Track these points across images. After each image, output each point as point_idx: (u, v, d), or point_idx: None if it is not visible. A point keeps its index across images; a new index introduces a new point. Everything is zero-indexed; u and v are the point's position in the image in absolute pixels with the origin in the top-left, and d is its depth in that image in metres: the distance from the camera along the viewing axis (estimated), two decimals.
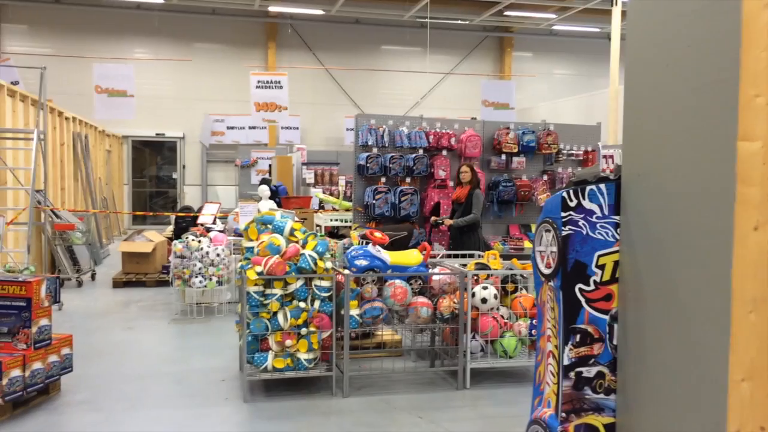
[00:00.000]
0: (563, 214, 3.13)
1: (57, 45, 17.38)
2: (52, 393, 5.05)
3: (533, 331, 5.38)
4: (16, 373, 4.51)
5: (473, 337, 5.41)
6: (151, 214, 15.78)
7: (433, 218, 7.73)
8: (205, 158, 18.64)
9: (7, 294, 4.64)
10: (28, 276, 5.01)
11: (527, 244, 8.31)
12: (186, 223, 9.91)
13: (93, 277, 10.30)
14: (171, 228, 10.75)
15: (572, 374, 3.09)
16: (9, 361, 4.46)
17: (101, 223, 13.20)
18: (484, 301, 5.36)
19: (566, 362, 3.10)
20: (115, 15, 17.68)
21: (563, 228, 3.12)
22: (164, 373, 5.75)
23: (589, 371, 3.09)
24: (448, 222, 7.43)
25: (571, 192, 3.14)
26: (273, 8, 17.78)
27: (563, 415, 3.09)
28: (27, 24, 17.67)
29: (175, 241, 7.83)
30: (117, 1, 17.18)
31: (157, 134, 18.25)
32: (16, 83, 10.53)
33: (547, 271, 3.23)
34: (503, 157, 8.46)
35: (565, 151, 8.70)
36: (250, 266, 5.02)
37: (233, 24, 18.51)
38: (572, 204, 3.12)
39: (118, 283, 9.65)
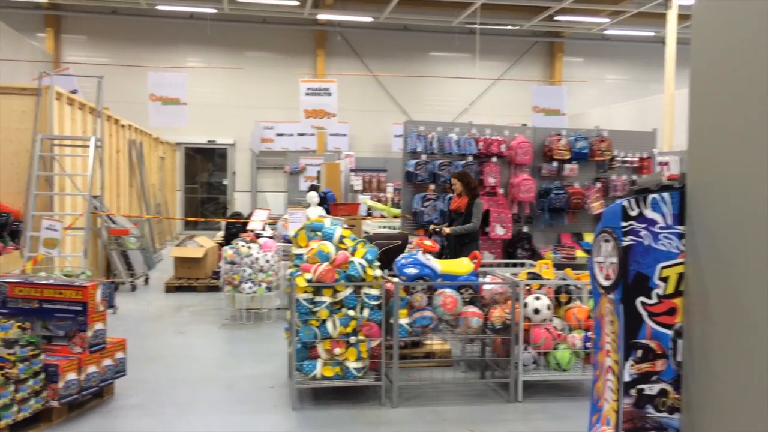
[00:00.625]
0: (624, 224, 3.01)
1: (114, 54, 17.90)
2: (107, 396, 5.14)
3: (588, 344, 5.23)
4: (71, 376, 4.60)
5: (525, 349, 5.28)
6: (202, 219, 16.04)
7: (431, 226, 7.47)
8: (254, 165, 18.89)
9: (64, 298, 4.74)
10: (85, 280, 5.11)
11: (579, 253, 8.12)
12: (236, 229, 10.01)
13: (146, 281, 10.50)
14: (222, 234, 10.89)
15: (633, 391, 2.97)
16: (65, 364, 4.55)
17: (155, 228, 13.49)
18: (536, 311, 5.23)
19: (627, 378, 2.97)
20: (169, 25, 18.11)
21: (623, 238, 3.00)
22: (214, 378, 5.80)
23: (651, 388, 2.95)
24: (447, 230, 7.09)
25: (633, 201, 3.02)
26: (322, 16, 17.93)
27: None
28: (86, 35, 18.26)
29: (225, 247, 7.92)
30: (171, 11, 17.58)
31: (208, 141, 18.59)
32: (74, 92, 10.84)
33: (606, 283, 3.12)
34: (554, 164, 8.29)
35: (619, 158, 8.48)
36: (299, 273, 5.01)
37: (283, 32, 18.74)
38: (633, 213, 3.00)
39: (170, 288, 9.82)
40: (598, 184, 8.42)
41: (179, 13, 17.85)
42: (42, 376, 4.44)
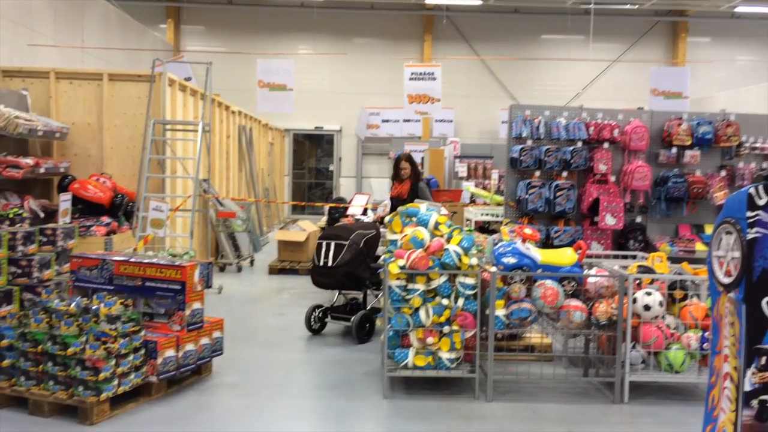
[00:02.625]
0: (749, 214, 2.65)
1: (228, 43, 18.58)
2: (204, 374, 5.25)
3: (705, 345, 4.78)
4: (170, 353, 4.71)
5: (633, 347, 4.90)
6: (303, 204, 16.32)
7: (382, 217, 7.22)
8: (360, 151, 19.03)
9: (165, 277, 4.87)
10: (185, 260, 5.23)
11: (699, 247, 7.49)
12: (338, 213, 10.06)
13: (252, 263, 10.79)
14: (325, 218, 11.00)
15: (755, 402, 2.62)
16: (164, 341, 4.66)
17: (263, 212, 13.86)
18: (647, 308, 4.83)
19: (748, 388, 2.63)
20: (280, 13, 18.55)
21: (749, 230, 2.64)
22: (309, 362, 5.81)
23: None
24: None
25: (761, 188, 2.65)
26: (430, 0, 17.69)
27: None
28: (203, 25, 19.05)
29: None
30: (282, 0, 17.99)
31: (316, 127, 18.92)
32: (188, 79, 11.26)
33: (726, 280, 2.77)
34: (674, 150, 7.68)
35: (747, 144, 7.72)
36: (392, 260, 4.89)
37: (390, 18, 18.70)
38: (761, 202, 2.64)
39: (273, 270, 10.03)
40: (723, 172, 7.73)
41: (290, 1, 18.22)
42: (142, 351, 4.57)
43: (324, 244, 6.39)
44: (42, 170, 7.34)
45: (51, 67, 8.56)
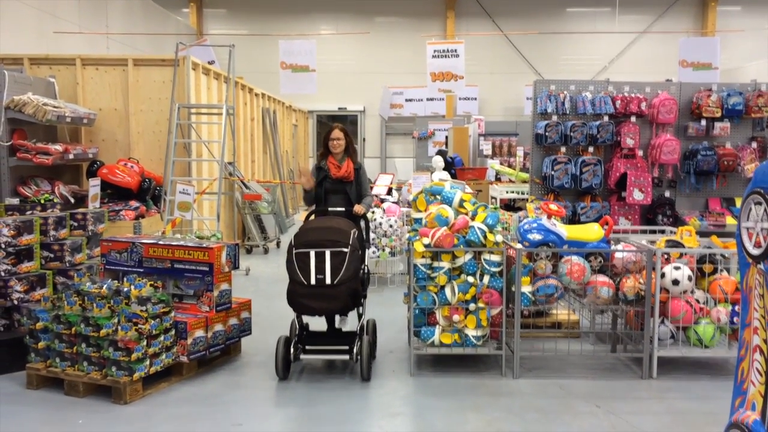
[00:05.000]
0: None
1: (251, 26, 18.58)
2: (233, 354, 5.33)
3: (735, 319, 4.72)
4: (199, 333, 4.79)
5: (662, 322, 4.86)
6: None
7: (318, 208, 5.51)
8: (384, 131, 18.98)
9: (193, 259, 4.93)
10: (212, 242, 5.29)
11: (730, 221, 7.37)
12: None
13: (278, 244, 10.87)
14: None
15: None
16: (194, 322, 4.74)
17: (288, 193, 13.93)
18: (675, 282, 4.78)
19: None
20: None
21: None
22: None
23: None
24: (362, 210, 5.41)
25: None
26: None
27: None
28: (225, 8, 19.06)
29: None
30: None
31: (339, 108, 18.89)
32: (212, 62, 11.33)
33: (756, 252, 2.72)
34: (703, 122, 7.52)
35: None
36: (417, 238, 4.89)
37: None
38: None
39: None
40: (754, 144, 7.56)
41: None
42: (172, 332, 4.65)
43: (313, 254, 4.67)
44: (71, 156, 7.46)
45: (77, 54, 8.66)
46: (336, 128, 5.60)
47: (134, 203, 7.74)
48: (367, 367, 4.76)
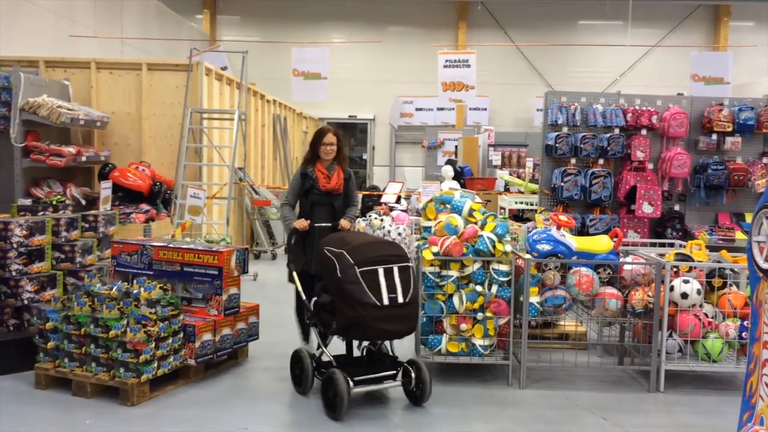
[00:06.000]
0: None
1: (263, 33, 18.70)
2: (241, 358, 5.35)
3: (744, 334, 4.70)
4: (207, 337, 4.81)
5: (670, 336, 4.85)
6: None
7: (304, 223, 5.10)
8: (393, 139, 19.02)
9: (202, 263, 4.96)
10: (222, 247, 5.32)
11: (739, 235, 7.34)
12: (372, 201, 10.12)
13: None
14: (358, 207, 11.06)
15: None
16: (202, 325, 4.76)
17: None
18: (684, 296, 4.76)
19: None
20: (315, 2, 18.55)
21: None
22: (341, 348, 5.85)
23: None
24: (347, 225, 5.21)
25: None
26: None
27: None
28: (239, 15, 19.20)
29: (358, 219, 7.98)
30: None
31: (349, 116, 18.93)
32: (225, 68, 11.40)
33: (766, 266, 2.72)
34: (714, 136, 7.51)
35: None
36: (426, 246, 4.90)
37: (424, 5, 18.58)
38: None
39: None
40: (765, 160, 7.54)
41: None
42: (181, 335, 4.68)
43: (382, 271, 4.19)
44: (83, 159, 7.52)
45: (91, 58, 8.74)
46: (329, 132, 5.12)
47: (145, 206, 7.79)
48: (429, 392, 4.42)
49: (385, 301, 4.13)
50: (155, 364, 4.46)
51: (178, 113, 8.56)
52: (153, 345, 4.42)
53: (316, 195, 5.12)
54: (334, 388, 4.17)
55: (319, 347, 4.66)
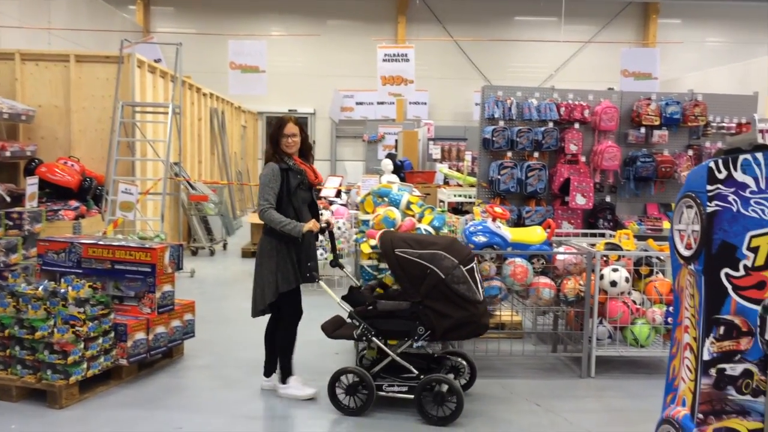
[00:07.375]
0: (709, 188, 2.70)
1: (199, 24, 18.29)
2: (176, 356, 5.24)
3: (669, 320, 4.88)
4: (140, 336, 4.69)
5: (600, 323, 4.99)
6: None
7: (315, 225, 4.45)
8: (334, 134, 18.95)
9: (134, 260, 4.83)
10: (155, 243, 5.19)
11: (666, 225, 7.62)
12: None
13: (225, 246, 10.73)
14: None
15: (713, 371, 2.69)
16: (134, 324, 4.64)
17: (236, 195, 13.76)
18: (613, 284, 4.92)
19: (706, 357, 2.70)
20: None
21: (708, 204, 2.70)
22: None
23: (733, 369, 2.67)
24: (332, 220, 5.32)
25: (720, 162, 2.70)
26: None
27: (700, 416, 2.70)
28: (173, 6, 18.73)
29: None
30: None
31: (289, 110, 18.74)
32: (158, 61, 11.08)
33: (686, 253, 2.82)
34: (642, 130, 7.77)
35: (714, 124, 7.84)
36: (364, 239, 4.90)
37: None
38: (721, 176, 2.69)
39: (246, 253, 9.99)
40: (690, 152, 7.85)
41: None
42: (112, 335, 4.54)
43: (466, 270, 4.08)
44: (8, 154, 7.21)
45: (16, 49, 8.38)
46: (290, 122, 4.44)
47: (74, 203, 7.52)
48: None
49: (480, 297, 4.14)
50: (84, 365, 4.32)
51: (109, 106, 8.31)
52: (82, 345, 4.28)
53: (304, 192, 4.52)
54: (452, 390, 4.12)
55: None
